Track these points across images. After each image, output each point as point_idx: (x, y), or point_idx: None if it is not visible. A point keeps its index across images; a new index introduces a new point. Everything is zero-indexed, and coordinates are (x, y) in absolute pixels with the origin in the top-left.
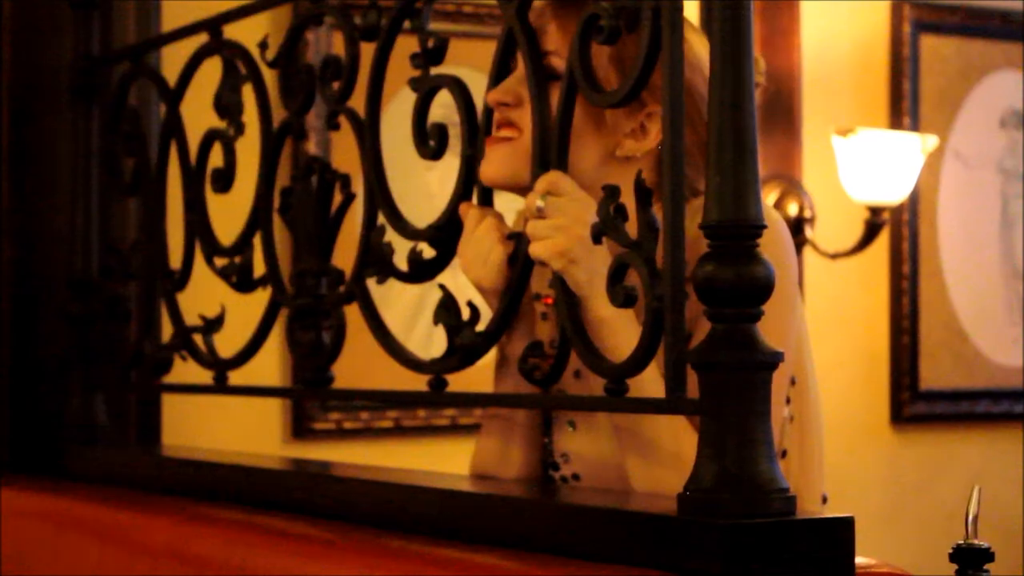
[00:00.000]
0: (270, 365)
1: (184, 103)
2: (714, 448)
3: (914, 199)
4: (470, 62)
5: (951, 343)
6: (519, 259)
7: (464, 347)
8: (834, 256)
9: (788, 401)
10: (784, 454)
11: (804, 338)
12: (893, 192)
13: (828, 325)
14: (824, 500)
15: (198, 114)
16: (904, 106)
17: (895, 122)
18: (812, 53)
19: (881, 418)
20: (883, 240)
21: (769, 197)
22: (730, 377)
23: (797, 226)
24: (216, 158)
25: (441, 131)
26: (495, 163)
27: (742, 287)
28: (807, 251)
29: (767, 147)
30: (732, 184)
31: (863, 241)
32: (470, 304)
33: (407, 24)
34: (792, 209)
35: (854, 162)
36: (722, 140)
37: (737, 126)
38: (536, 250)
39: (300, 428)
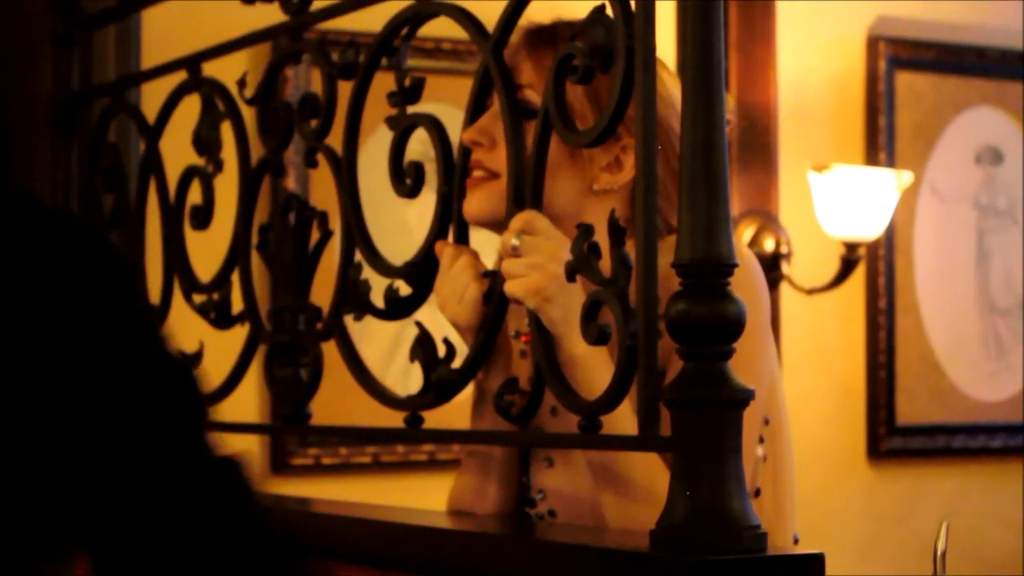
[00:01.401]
0: (249, 401)
1: (163, 139)
2: (686, 485)
3: (890, 234)
4: (449, 98)
5: (928, 378)
6: (494, 297)
7: (440, 384)
8: (811, 291)
9: (761, 440)
10: (758, 493)
11: (776, 377)
12: (869, 228)
13: (805, 360)
14: (795, 541)
15: (177, 150)
16: (880, 141)
17: (871, 157)
18: (788, 89)
19: (857, 452)
20: (859, 275)
21: (746, 233)
22: (701, 414)
23: (774, 262)
24: (195, 194)
25: (418, 169)
26: (477, 201)
27: (713, 325)
28: (784, 286)
29: (744, 183)
30: (704, 222)
31: (839, 276)
32: (446, 341)
33: (384, 62)
34: (769, 245)
35: (830, 198)
36: (694, 179)
37: (708, 165)
38: (511, 288)
39: (279, 463)
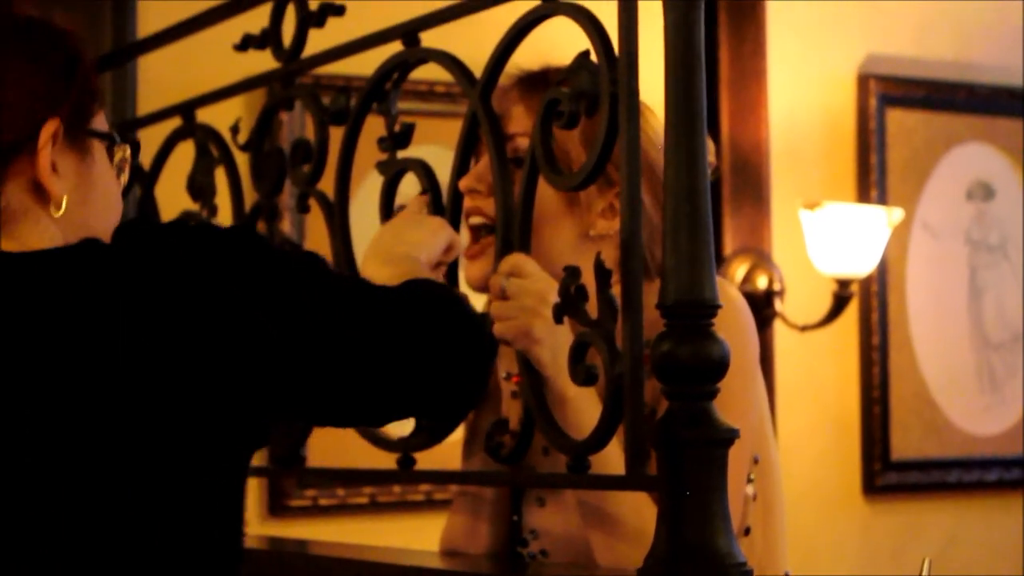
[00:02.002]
0: None
1: (159, 184)
2: (672, 523)
3: (883, 270)
4: (442, 140)
5: (922, 412)
6: None
7: (431, 426)
8: (804, 328)
9: (750, 479)
10: (748, 531)
11: (765, 416)
12: (860, 264)
13: (799, 396)
14: None
15: (172, 195)
16: (872, 178)
17: (863, 194)
18: (780, 127)
19: (853, 488)
20: (852, 311)
21: (739, 270)
22: (687, 454)
23: (767, 299)
24: None
25: None
26: (479, 268)
27: (698, 365)
28: (777, 324)
29: (736, 221)
30: (687, 264)
31: (832, 313)
32: None
33: (375, 107)
34: (762, 282)
35: (821, 235)
36: (677, 222)
37: (692, 209)
38: (500, 330)
39: (276, 505)
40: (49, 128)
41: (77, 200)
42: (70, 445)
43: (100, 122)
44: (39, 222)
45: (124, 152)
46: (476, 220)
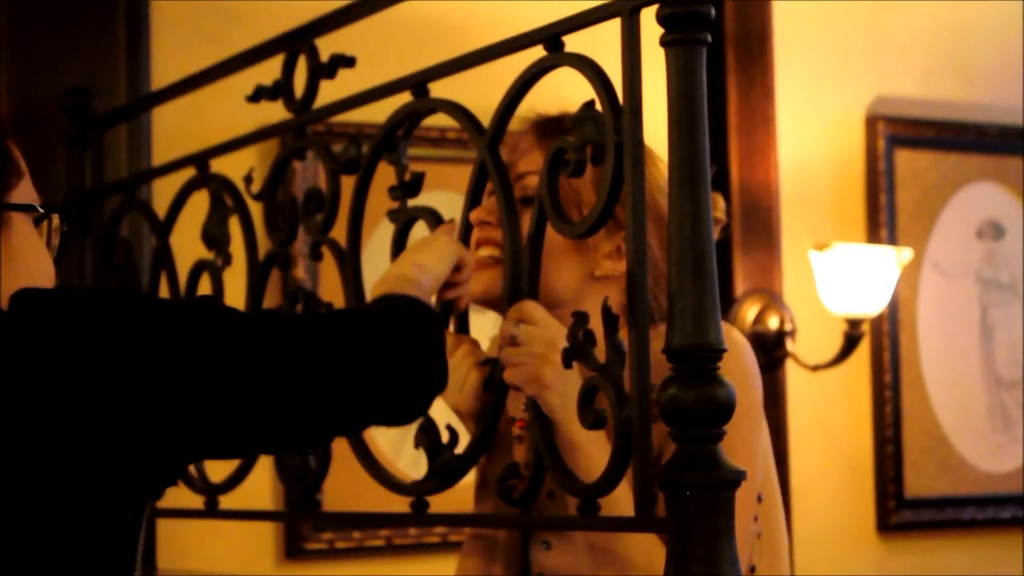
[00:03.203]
0: (262, 486)
1: (174, 234)
2: (680, 565)
3: (894, 309)
4: (453, 186)
5: (935, 451)
6: (494, 384)
7: (444, 470)
8: (815, 368)
9: (756, 518)
10: (753, 570)
11: (769, 456)
12: (870, 304)
13: (812, 436)
14: None
15: (187, 245)
16: (881, 219)
17: (873, 235)
18: (789, 169)
19: (867, 527)
20: (864, 350)
21: (750, 311)
22: (694, 496)
23: (778, 339)
24: (205, 287)
25: None
26: (483, 283)
27: (704, 409)
28: (789, 364)
29: (747, 262)
30: (692, 310)
31: (843, 352)
32: (449, 427)
33: (386, 155)
34: (773, 323)
35: (831, 276)
36: (682, 268)
37: (696, 255)
38: (510, 376)
39: (293, 548)
40: None
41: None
42: None
43: (21, 195)
44: None
45: (53, 221)
46: (485, 252)
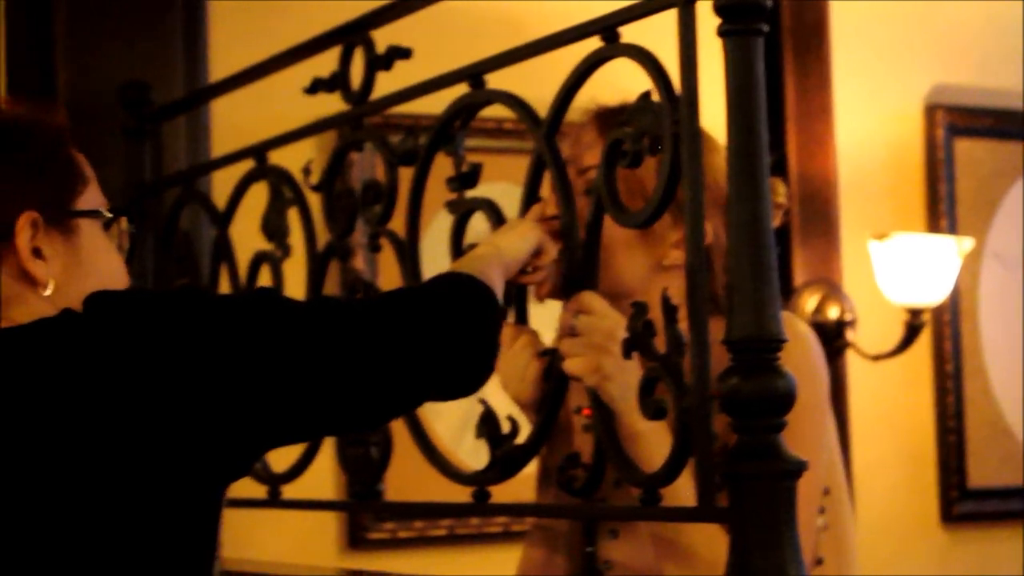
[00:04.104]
0: (325, 476)
1: (233, 226)
2: (742, 555)
3: (955, 299)
4: (510, 177)
5: (998, 441)
6: (554, 375)
7: (504, 460)
8: (876, 358)
9: (822, 510)
10: (820, 562)
11: (835, 448)
12: (931, 294)
13: (873, 427)
14: None
15: (247, 236)
16: (941, 208)
17: (932, 225)
18: (848, 159)
19: (930, 518)
20: (925, 340)
21: (809, 302)
22: (755, 486)
23: (838, 330)
24: (264, 279)
25: None
26: (551, 279)
27: (764, 399)
28: (849, 354)
29: (806, 252)
30: (752, 300)
31: (904, 343)
32: (510, 418)
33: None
34: (833, 313)
35: (891, 266)
36: (741, 258)
37: (755, 245)
38: (570, 367)
39: (355, 538)
40: (24, 219)
41: (67, 278)
42: (40, 499)
43: (88, 200)
44: (28, 303)
45: (121, 223)
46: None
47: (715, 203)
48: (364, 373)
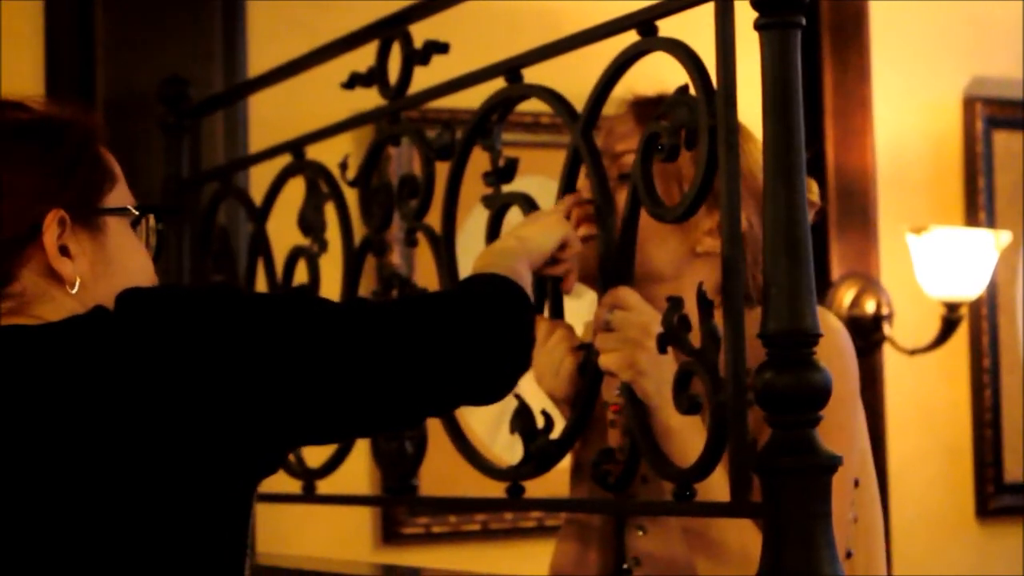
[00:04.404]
0: (359, 471)
1: (270, 221)
2: (777, 550)
3: (992, 293)
4: (547, 171)
5: None
6: (589, 369)
7: (539, 454)
8: (913, 352)
9: (852, 503)
10: (850, 555)
11: (864, 441)
12: (969, 288)
13: (910, 421)
14: None
15: (283, 231)
16: (979, 202)
17: (971, 218)
18: (886, 152)
19: (966, 512)
20: (962, 334)
21: (847, 295)
22: (790, 481)
23: (875, 323)
24: (301, 274)
25: None
26: (581, 260)
27: (800, 394)
28: (886, 348)
29: (843, 246)
30: (787, 295)
31: (941, 336)
32: (544, 413)
33: (480, 141)
34: (870, 306)
35: (929, 259)
36: (776, 253)
37: (791, 239)
38: (605, 362)
39: (390, 532)
40: (52, 218)
41: (94, 275)
42: (73, 496)
43: (116, 198)
44: (55, 301)
45: (148, 221)
46: (584, 231)
47: (750, 193)
48: (397, 375)
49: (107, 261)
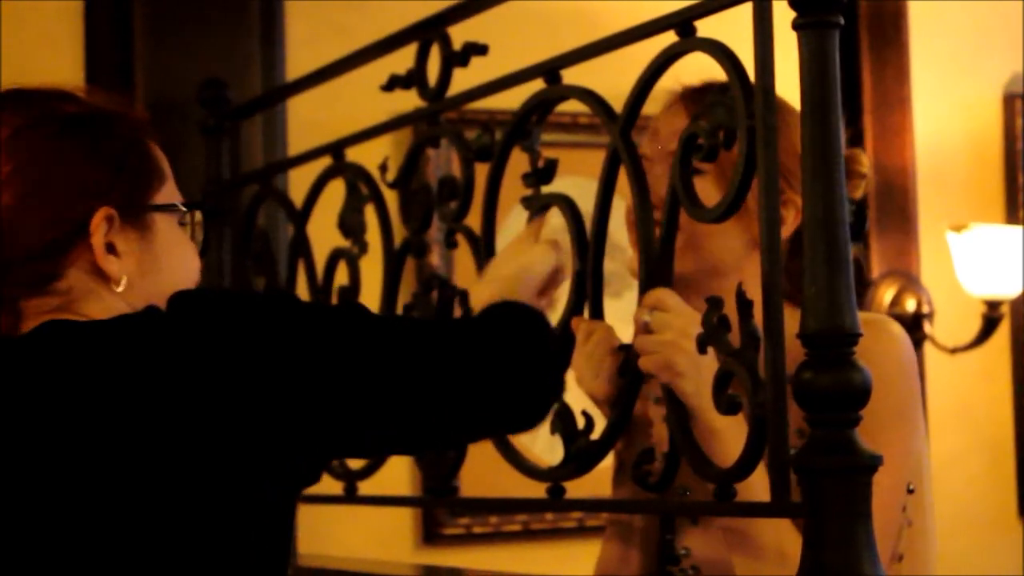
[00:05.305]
0: (400, 472)
1: (310, 223)
2: (816, 550)
3: None
4: (586, 172)
5: None
6: (629, 370)
7: (579, 455)
8: (954, 351)
9: (904, 508)
10: (900, 558)
11: (923, 446)
12: (1010, 285)
13: (951, 419)
14: None
15: (324, 233)
16: (1020, 199)
17: (1011, 215)
18: (925, 150)
19: (1008, 511)
20: (1004, 332)
21: (887, 294)
22: (830, 481)
23: (916, 322)
24: (341, 275)
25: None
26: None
27: (839, 393)
28: (927, 346)
29: (883, 244)
30: (827, 294)
31: (982, 335)
32: (585, 413)
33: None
34: (910, 305)
35: (969, 257)
36: (815, 252)
37: (830, 238)
38: (644, 364)
39: (430, 533)
40: (100, 215)
41: (141, 273)
42: (110, 494)
43: (164, 195)
44: (103, 299)
45: (196, 217)
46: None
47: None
48: (436, 398)
49: (154, 259)
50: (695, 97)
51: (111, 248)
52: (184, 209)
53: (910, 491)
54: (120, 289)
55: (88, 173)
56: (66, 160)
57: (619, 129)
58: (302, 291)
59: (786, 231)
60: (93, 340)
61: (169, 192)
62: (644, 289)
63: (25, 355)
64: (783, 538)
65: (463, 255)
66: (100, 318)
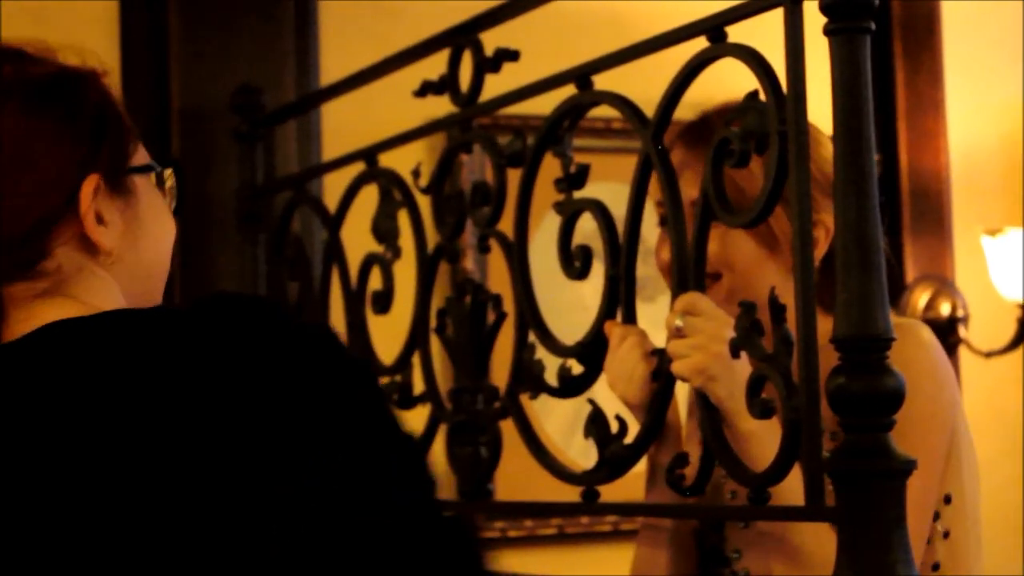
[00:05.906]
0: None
1: (344, 228)
2: (851, 554)
3: None
4: (618, 177)
5: None
6: (662, 375)
7: (613, 459)
8: (989, 355)
9: (937, 516)
10: (936, 567)
11: (964, 455)
12: None
13: (985, 423)
14: None
15: (357, 238)
16: None
17: None
18: (959, 154)
19: None
20: None
21: (921, 298)
22: (863, 485)
23: (950, 326)
24: (375, 281)
25: (585, 253)
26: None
27: (872, 398)
28: (962, 350)
29: (917, 248)
30: (859, 299)
31: (1017, 339)
32: (618, 418)
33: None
34: (945, 309)
35: (1004, 261)
36: (848, 258)
37: (862, 244)
38: (677, 368)
39: None
40: (89, 185)
41: (128, 243)
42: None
43: (140, 156)
44: (94, 275)
45: (170, 177)
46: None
47: (827, 195)
48: None
49: (139, 224)
50: (694, 133)
51: (99, 219)
52: (158, 167)
53: (947, 500)
54: (111, 261)
55: (68, 143)
56: (45, 131)
57: (651, 135)
58: (336, 295)
59: (819, 252)
60: (134, 334)
61: (142, 153)
62: (676, 294)
63: (38, 371)
64: (823, 543)
65: (496, 260)
66: (94, 300)
